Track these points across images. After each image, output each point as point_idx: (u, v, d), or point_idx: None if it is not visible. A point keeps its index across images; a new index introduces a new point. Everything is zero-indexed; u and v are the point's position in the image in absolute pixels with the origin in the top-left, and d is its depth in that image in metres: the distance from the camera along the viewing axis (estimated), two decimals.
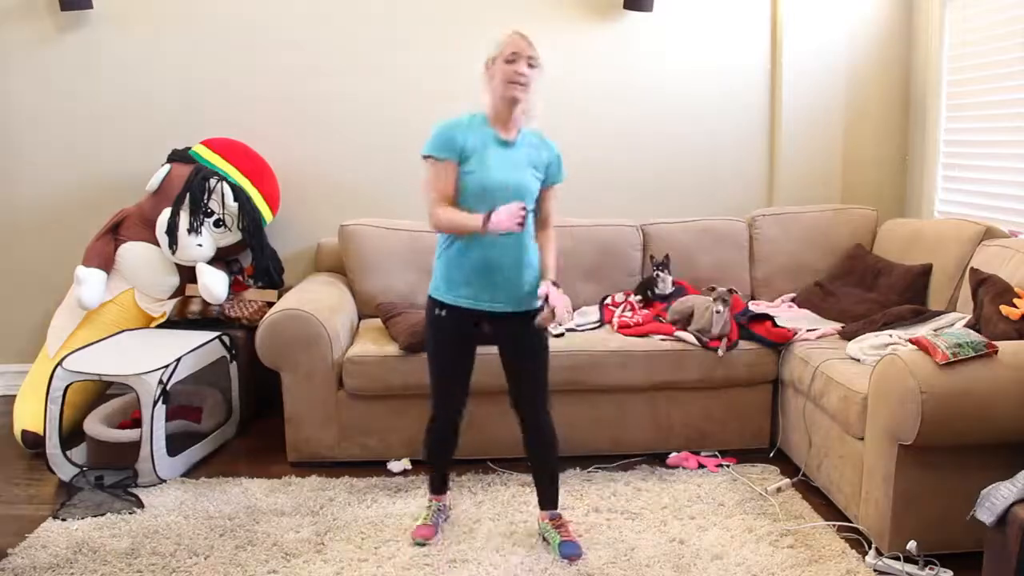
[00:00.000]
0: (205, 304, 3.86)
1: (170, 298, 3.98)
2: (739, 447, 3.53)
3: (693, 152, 4.43)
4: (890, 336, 3.10)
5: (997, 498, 2.20)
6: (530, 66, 2.55)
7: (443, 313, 2.66)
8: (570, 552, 2.72)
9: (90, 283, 3.77)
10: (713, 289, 3.44)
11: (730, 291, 3.45)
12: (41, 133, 4.23)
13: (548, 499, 2.84)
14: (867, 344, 3.11)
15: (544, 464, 2.83)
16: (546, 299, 2.58)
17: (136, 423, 3.33)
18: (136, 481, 3.21)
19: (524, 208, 2.50)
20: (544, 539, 2.82)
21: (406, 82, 4.27)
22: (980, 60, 3.83)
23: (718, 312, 3.40)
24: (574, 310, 3.80)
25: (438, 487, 2.93)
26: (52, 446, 3.22)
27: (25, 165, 4.25)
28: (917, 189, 4.32)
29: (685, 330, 3.52)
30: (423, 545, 2.78)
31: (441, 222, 2.58)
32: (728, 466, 3.40)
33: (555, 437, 2.79)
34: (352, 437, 3.43)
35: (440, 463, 2.91)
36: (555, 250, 2.77)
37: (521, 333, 2.68)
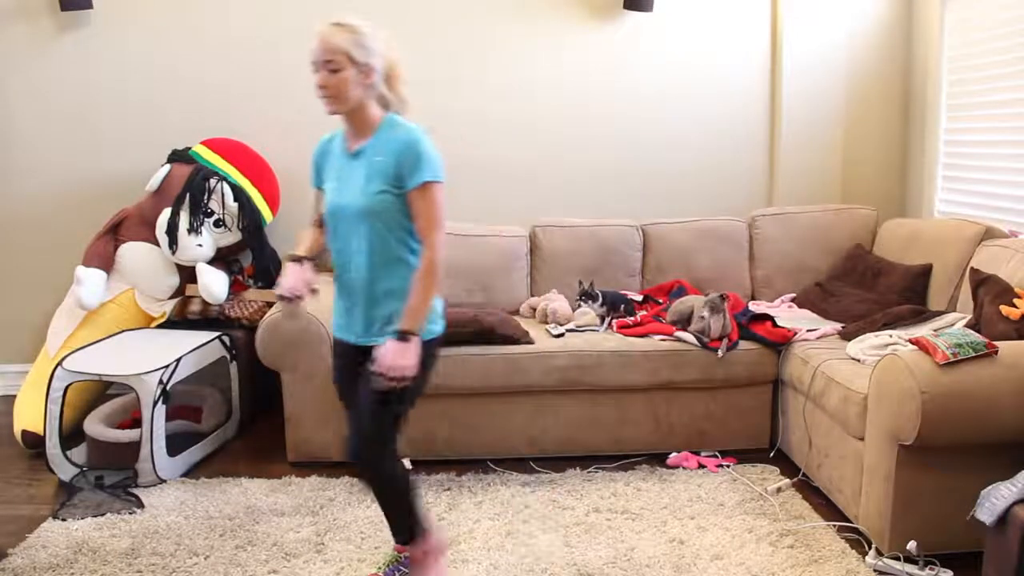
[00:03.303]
0: (205, 304, 3.86)
1: (170, 298, 3.98)
2: (739, 447, 3.53)
3: (693, 152, 4.43)
4: (890, 336, 3.10)
5: (997, 498, 2.20)
6: (332, 71, 2.19)
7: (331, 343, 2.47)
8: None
9: (90, 283, 3.77)
10: (707, 295, 3.46)
11: (722, 297, 3.45)
12: (41, 133, 4.24)
13: (393, 531, 2.54)
14: (867, 344, 3.11)
15: (380, 503, 2.48)
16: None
17: (136, 423, 3.33)
18: (136, 481, 3.21)
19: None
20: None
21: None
22: (980, 60, 3.83)
23: (702, 318, 3.42)
24: (573, 310, 3.81)
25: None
26: (52, 446, 3.22)
27: (25, 165, 4.26)
28: (917, 189, 4.32)
29: (685, 330, 3.52)
30: None
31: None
32: (728, 466, 3.40)
33: (384, 484, 2.40)
34: None
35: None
36: (424, 282, 2.22)
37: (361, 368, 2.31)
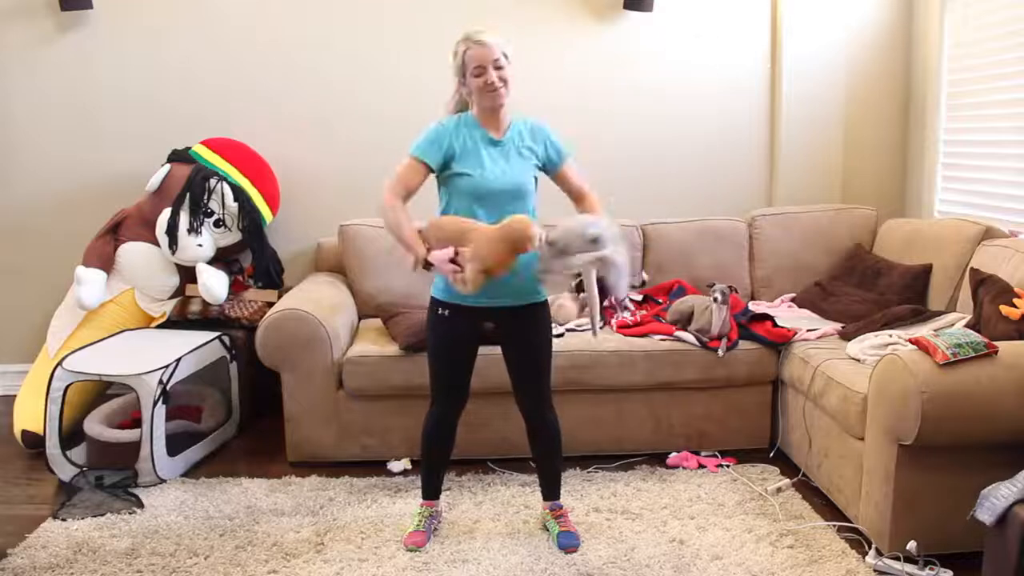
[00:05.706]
0: (205, 304, 3.86)
1: (170, 298, 3.98)
2: (739, 447, 3.53)
3: (693, 152, 4.43)
4: (890, 336, 3.10)
5: (997, 498, 2.20)
6: (498, 68, 2.57)
7: (446, 313, 2.67)
8: (567, 543, 2.76)
9: (90, 283, 3.77)
10: (712, 286, 3.45)
11: (730, 287, 3.45)
12: (41, 133, 4.24)
13: (549, 491, 2.90)
14: (867, 344, 3.11)
15: (546, 458, 2.88)
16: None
17: (136, 423, 3.33)
18: (136, 481, 3.21)
19: (456, 269, 2.48)
20: (545, 528, 2.88)
21: (406, 82, 4.27)
22: (980, 60, 3.83)
23: (715, 300, 3.40)
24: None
25: (431, 491, 2.91)
26: (52, 446, 3.22)
27: (25, 165, 4.26)
28: (917, 189, 4.32)
29: (685, 330, 3.52)
30: (415, 551, 2.76)
31: (385, 212, 2.59)
32: (728, 466, 3.40)
33: (558, 432, 2.83)
34: (352, 437, 3.43)
35: (435, 461, 2.89)
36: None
37: (523, 327, 2.70)
